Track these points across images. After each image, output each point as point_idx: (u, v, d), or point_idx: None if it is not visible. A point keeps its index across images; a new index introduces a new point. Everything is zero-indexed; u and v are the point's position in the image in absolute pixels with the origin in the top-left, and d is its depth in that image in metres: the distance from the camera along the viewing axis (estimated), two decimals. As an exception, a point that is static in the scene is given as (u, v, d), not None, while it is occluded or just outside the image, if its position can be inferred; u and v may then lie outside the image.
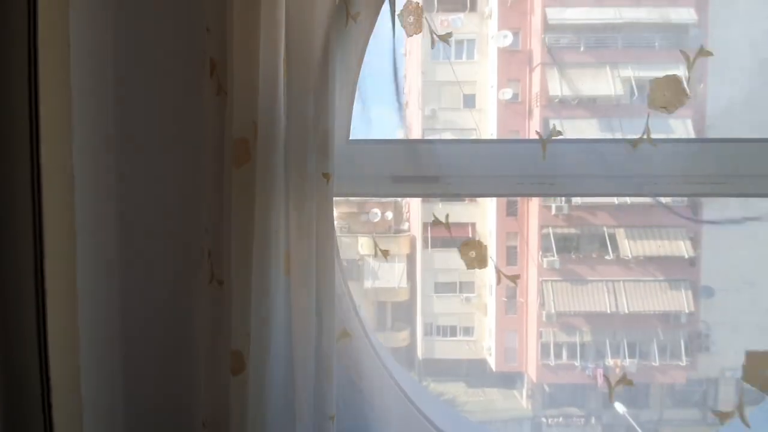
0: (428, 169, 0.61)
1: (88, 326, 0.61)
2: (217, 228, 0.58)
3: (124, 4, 0.64)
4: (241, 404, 0.55)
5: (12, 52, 0.58)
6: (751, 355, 0.51)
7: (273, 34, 0.54)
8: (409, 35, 0.59)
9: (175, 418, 0.68)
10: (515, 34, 1.73)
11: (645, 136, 0.55)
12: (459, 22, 1.89)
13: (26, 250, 0.58)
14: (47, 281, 0.59)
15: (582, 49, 1.62)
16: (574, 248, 1.55)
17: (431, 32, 0.61)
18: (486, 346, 1.83)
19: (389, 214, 1.75)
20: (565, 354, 1.57)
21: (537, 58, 1.74)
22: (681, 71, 0.56)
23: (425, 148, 0.68)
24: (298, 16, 0.55)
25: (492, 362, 1.76)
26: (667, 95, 0.58)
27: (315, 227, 0.55)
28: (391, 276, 1.91)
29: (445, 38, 0.61)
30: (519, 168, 0.59)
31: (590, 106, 1.61)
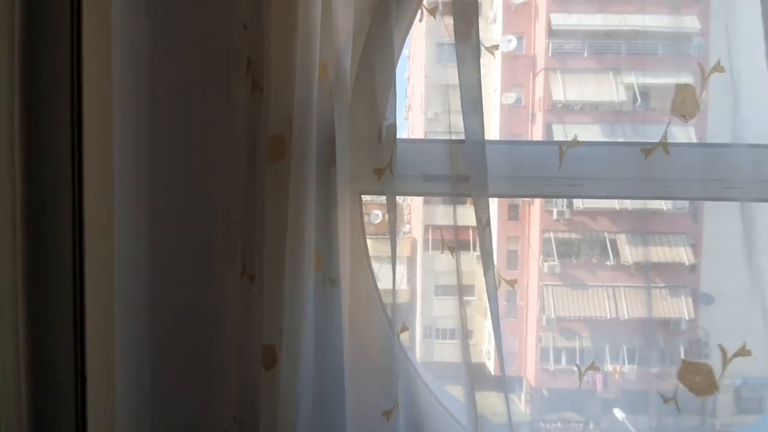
0: (458, 168, 0.62)
1: (122, 320, 0.60)
2: (249, 224, 0.58)
3: (159, 1, 0.64)
4: (272, 399, 0.54)
5: (56, 51, 0.58)
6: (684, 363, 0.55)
7: (310, 31, 0.54)
8: (458, 40, 0.59)
9: (205, 412, 0.67)
10: (519, 39, 1.73)
11: (664, 141, 0.55)
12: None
13: (66, 247, 0.58)
14: (86, 277, 0.58)
15: (585, 54, 1.62)
16: (575, 253, 1.55)
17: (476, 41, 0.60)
18: (485, 349, 1.83)
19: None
20: (564, 358, 1.57)
21: (541, 63, 1.74)
22: (686, 79, 0.56)
23: (456, 147, 0.68)
24: (339, 11, 0.55)
25: (491, 366, 1.76)
26: (687, 104, 0.59)
27: (348, 225, 0.56)
28: (390, 278, 1.89)
29: (492, 50, 0.62)
30: (542, 169, 0.60)
31: (592, 112, 1.61)
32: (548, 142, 0.61)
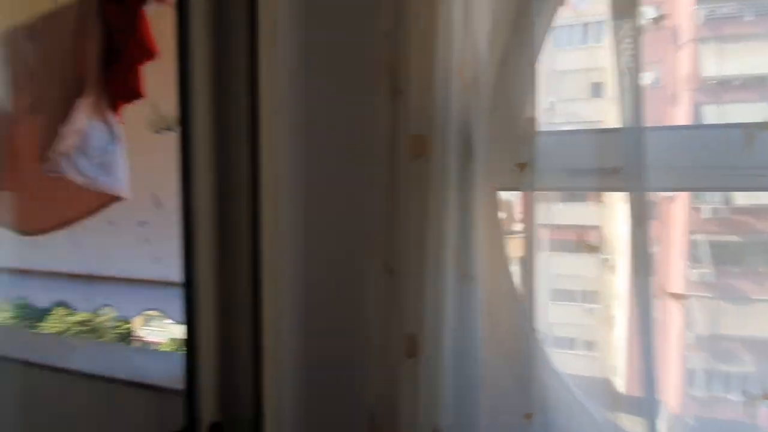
0: (608, 160, 0.58)
1: (286, 309, 0.71)
2: (390, 219, 0.62)
3: (310, 11, 0.73)
4: (414, 385, 0.57)
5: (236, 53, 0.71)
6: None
7: (449, 30, 0.56)
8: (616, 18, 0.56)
9: (348, 399, 0.74)
10: (658, 8, 1.52)
11: None
12: (586, 3, 1.73)
13: (245, 244, 0.71)
14: (263, 276, 0.71)
15: (747, 18, 1.35)
16: (735, 259, 1.31)
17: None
18: (612, 364, 1.65)
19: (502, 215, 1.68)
20: (717, 384, 1.34)
21: (686, 33, 1.51)
22: None
23: (605, 137, 0.63)
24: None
25: (619, 383, 1.58)
26: None
27: (485, 222, 0.56)
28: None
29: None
30: (719, 158, 0.52)
31: (759, 86, 1.34)
32: (726, 126, 0.52)
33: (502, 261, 0.65)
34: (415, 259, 0.61)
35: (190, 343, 0.86)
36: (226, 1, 0.82)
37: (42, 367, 1.65)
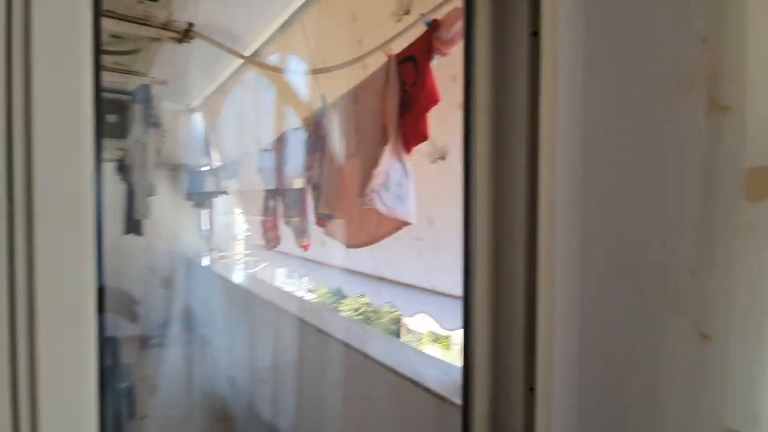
0: None
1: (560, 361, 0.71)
2: (704, 271, 0.49)
3: (591, 38, 0.69)
4: None
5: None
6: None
7: None
8: None
9: None
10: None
11: None
12: None
13: (521, 276, 0.75)
14: (539, 284, 0.73)
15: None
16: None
17: None
18: None
19: None
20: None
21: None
22: None
23: None
24: None
25: None
26: None
27: None
28: None
29: None
30: None
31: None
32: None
33: None
34: (740, 326, 0.45)
35: (467, 360, 0.92)
36: (508, 40, 0.86)
37: (343, 343, 2.16)
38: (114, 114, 3.17)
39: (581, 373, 0.77)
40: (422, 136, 1.59)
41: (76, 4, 0.40)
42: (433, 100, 1.53)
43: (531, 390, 0.81)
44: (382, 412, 1.91)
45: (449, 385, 1.55)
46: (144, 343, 4.04)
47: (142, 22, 1.35)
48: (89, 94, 0.42)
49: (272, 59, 2.24)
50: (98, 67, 0.42)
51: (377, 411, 1.95)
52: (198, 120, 4.29)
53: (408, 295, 2.92)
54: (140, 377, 3.27)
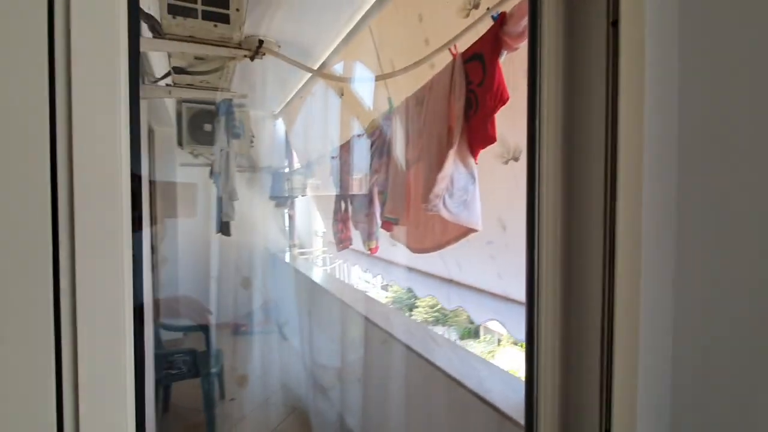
0: None
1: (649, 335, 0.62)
2: None
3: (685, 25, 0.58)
4: None
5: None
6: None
7: None
8: None
9: None
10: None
11: None
12: None
13: (597, 255, 0.67)
14: (616, 286, 0.65)
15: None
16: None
17: None
18: None
19: None
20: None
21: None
22: None
23: None
24: None
25: None
26: None
27: None
28: None
29: None
30: None
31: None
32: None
33: None
34: None
35: (530, 379, 0.84)
36: (582, 29, 0.76)
37: (407, 347, 2.13)
38: (209, 124, 3.53)
39: (672, 419, 0.66)
40: (489, 139, 1.50)
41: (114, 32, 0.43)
42: (501, 100, 1.43)
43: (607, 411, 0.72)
44: (442, 421, 1.86)
45: (517, 402, 1.45)
46: (235, 330, 4.45)
47: (219, 43, 1.46)
48: (125, 101, 0.44)
49: (337, 68, 2.29)
50: (136, 81, 0.45)
51: (438, 419, 1.90)
52: (280, 125, 4.58)
53: (480, 300, 2.80)
54: (230, 363, 3.62)
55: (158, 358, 2.85)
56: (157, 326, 3.32)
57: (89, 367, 0.43)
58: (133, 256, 0.47)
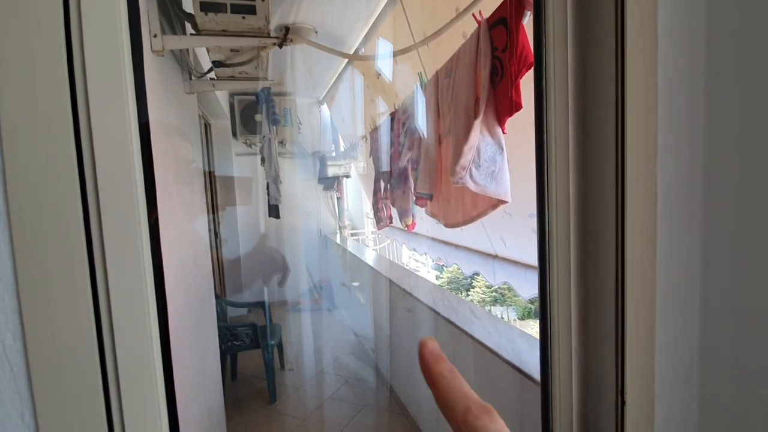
0: None
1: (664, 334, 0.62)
2: None
3: None
4: None
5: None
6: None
7: None
8: None
9: None
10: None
11: None
12: None
13: (609, 257, 0.67)
14: (627, 288, 0.65)
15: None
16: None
17: None
18: None
19: None
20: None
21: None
22: None
23: None
24: None
25: None
26: None
27: None
28: None
29: None
30: None
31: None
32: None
33: None
34: None
35: (544, 340, 0.85)
36: None
37: (445, 320, 2.16)
38: (260, 114, 3.73)
39: (698, 390, 0.64)
40: (516, 106, 1.45)
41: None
42: (526, 63, 1.38)
43: (623, 402, 0.71)
44: (486, 391, 1.88)
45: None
46: (293, 307, 4.75)
47: (248, 34, 1.55)
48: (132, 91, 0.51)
49: (364, 50, 2.30)
50: (141, 71, 0.51)
51: (482, 390, 1.93)
52: (325, 111, 4.71)
53: (526, 276, 2.74)
54: (288, 336, 3.89)
55: (224, 330, 3.16)
56: (223, 303, 3.66)
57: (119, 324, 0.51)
58: (151, 235, 0.52)
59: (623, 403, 0.69)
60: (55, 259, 0.47)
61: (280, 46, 1.62)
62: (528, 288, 2.78)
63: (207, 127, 3.76)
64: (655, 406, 0.69)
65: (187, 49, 1.91)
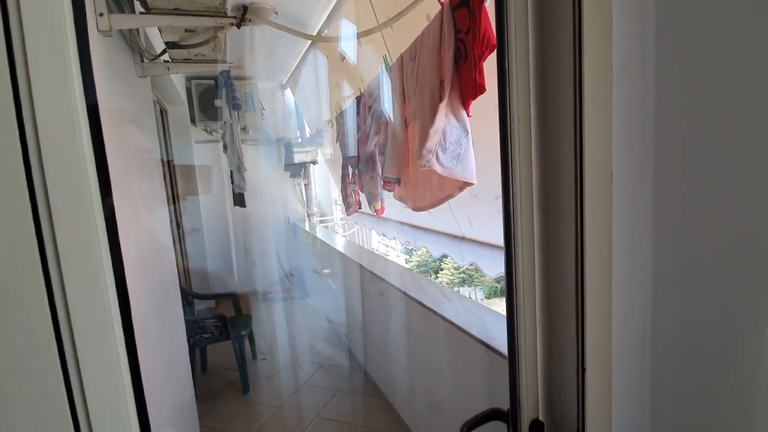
0: None
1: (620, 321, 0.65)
2: None
3: None
4: None
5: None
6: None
7: None
8: None
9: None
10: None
11: None
12: None
13: (570, 241, 0.69)
14: (586, 262, 0.68)
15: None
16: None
17: None
18: None
19: None
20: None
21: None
22: None
23: None
24: None
25: None
26: None
27: None
28: None
29: None
30: None
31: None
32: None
33: None
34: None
35: (510, 317, 0.88)
36: None
37: (414, 300, 2.21)
38: (219, 99, 3.58)
39: (651, 355, 0.69)
40: (480, 89, 1.47)
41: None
42: (488, 46, 1.39)
43: (583, 369, 0.75)
44: (448, 364, 1.95)
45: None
46: (264, 296, 4.69)
47: (203, 13, 1.47)
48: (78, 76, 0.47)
49: (328, 32, 2.25)
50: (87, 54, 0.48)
51: (446, 363, 1.99)
52: (289, 95, 4.58)
53: (492, 255, 2.82)
54: (259, 326, 3.85)
55: (191, 323, 3.08)
56: (190, 295, 3.55)
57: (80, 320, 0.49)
58: (107, 226, 0.50)
59: (584, 370, 0.74)
60: (1, 256, 0.44)
61: (239, 26, 1.56)
62: (494, 267, 2.87)
63: (163, 113, 3.57)
64: (612, 371, 0.74)
65: (137, 30, 1.79)
